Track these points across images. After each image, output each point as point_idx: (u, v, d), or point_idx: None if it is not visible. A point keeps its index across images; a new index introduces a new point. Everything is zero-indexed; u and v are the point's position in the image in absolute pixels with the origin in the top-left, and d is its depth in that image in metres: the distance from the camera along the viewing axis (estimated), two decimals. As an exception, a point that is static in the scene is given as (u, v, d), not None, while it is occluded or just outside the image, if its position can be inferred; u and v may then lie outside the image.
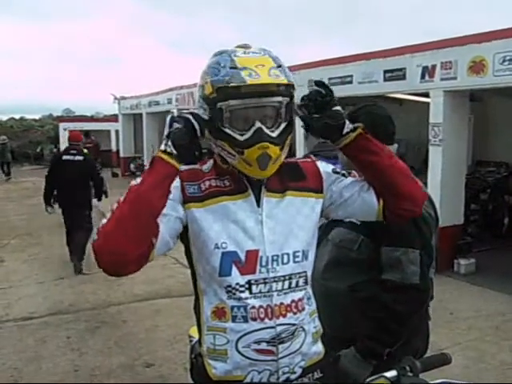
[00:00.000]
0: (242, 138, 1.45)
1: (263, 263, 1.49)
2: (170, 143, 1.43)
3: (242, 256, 1.48)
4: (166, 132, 1.45)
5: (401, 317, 1.85)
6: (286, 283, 1.51)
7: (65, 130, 24.00)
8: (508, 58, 5.76)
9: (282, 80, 1.44)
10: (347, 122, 1.53)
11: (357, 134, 1.54)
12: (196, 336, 1.67)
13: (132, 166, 18.81)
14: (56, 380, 4.00)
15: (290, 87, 1.47)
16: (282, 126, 1.48)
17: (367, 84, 7.75)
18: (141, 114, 17.67)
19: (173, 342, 4.63)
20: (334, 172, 1.65)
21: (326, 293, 1.90)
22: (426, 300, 1.95)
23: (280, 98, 1.45)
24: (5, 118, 35.37)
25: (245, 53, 1.48)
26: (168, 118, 1.46)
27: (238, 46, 1.53)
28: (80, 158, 7.35)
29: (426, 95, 7.15)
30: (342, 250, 1.99)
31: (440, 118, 6.73)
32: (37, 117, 36.57)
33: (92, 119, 27.74)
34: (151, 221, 1.39)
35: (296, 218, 1.56)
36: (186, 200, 1.51)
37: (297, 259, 1.53)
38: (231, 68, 1.43)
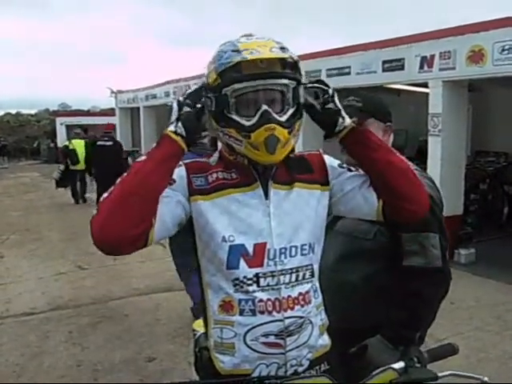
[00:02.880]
0: (248, 123, 1.43)
1: (271, 256, 1.47)
2: (180, 124, 1.43)
3: (250, 249, 1.47)
4: (174, 115, 1.44)
5: (430, 301, 1.87)
6: (294, 276, 1.50)
7: (61, 124, 24.05)
8: (507, 47, 5.74)
9: (283, 55, 1.42)
10: (341, 120, 1.52)
11: (351, 126, 1.53)
12: (200, 329, 1.65)
13: (130, 159, 18.76)
14: (59, 375, 4.00)
15: (295, 71, 1.46)
16: (290, 111, 1.46)
17: (365, 75, 7.72)
18: (138, 108, 17.59)
19: (174, 336, 4.63)
20: (340, 166, 1.63)
21: (339, 285, 1.90)
22: (449, 282, 1.95)
23: (286, 81, 1.43)
24: (1, 113, 35.30)
25: (248, 39, 1.47)
26: (175, 104, 1.46)
27: (243, 35, 1.52)
28: (110, 142, 11.26)
29: (425, 85, 7.13)
30: (355, 241, 1.96)
31: (439, 108, 6.71)
32: (33, 112, 36.52)
33: (89, 113, 27.69)
34: (152, 199, 1.39)
35: (304, 210, 1.54)
36: (193, 192, 1.49)
37: (304, 252, 1.52)
38: (233, 51, 1.42)
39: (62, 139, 21.70)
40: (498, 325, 4.89)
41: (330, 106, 1.52)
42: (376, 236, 1.93)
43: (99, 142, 11.39)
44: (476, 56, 6.10)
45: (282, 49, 1.44)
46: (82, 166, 12.69)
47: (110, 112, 22.62)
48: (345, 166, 1.64)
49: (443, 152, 6.76)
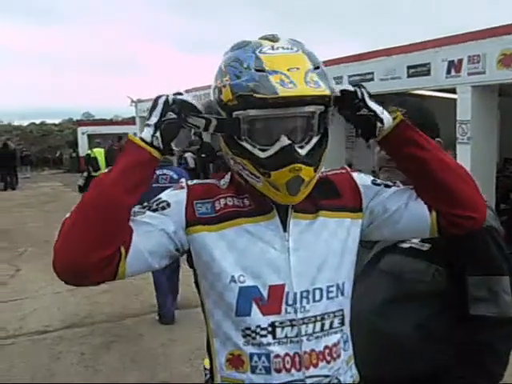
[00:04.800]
0: (263, 155, 1.19)
1: (290, 301, 1.23)
2: (158, 135, 1.20)
3: (265, 292, 1.23)
4: (154, 118, 1.20)
5: (502, 355, 1.58)
6: (318, 325, 1.25)
7: (83, 133, 24.22)
8: (541, 49, 5.43)
9: (323, 91, 1.15)
10: (379, 124, 1.28)
11: (396, 122, 1.28)
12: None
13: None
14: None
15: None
16: (314, 140, 1.22)
17: (390, 81, 7.46)
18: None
19: (191, 358, 4.39)
20: (375, 184, 1.38)
21: (385, 334, 1.61)
22: None
23: (312, 108, 1.19)
24: (26, 123, 35.78)
25: (273, 48, 1.20)
26: (161, 102, 1.21)
27: (264, 38, 1.25)
28: None
29: (452, 91, 6.82)
30: (406, 284, 1.62)
31: (468, 114, 6.41)
32: (57, 121, 36.89)
33: (111, 122, 27.79)
34: (113, 218, 1.15)
35: (331, 243, 1.29)
36: (194, 221, 1.26)
37: (331, 295, 1.27)
38: (257, 70, 1.15)
39: (83, 148, 21.86)
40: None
41: (363, 112, 1.27)
42: (434, 277, 1.61)
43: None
44: (508, 59, 5.79)
45: (317, 68, 1.18)
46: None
47: (131, 121, 22.66)
48: (379, 181, 1.39)
49: (473, 161, 6.42)
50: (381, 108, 1.30)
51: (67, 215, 1.18)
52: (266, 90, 1.12)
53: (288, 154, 1.17)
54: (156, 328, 5.16)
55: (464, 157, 6.51)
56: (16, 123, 35.82)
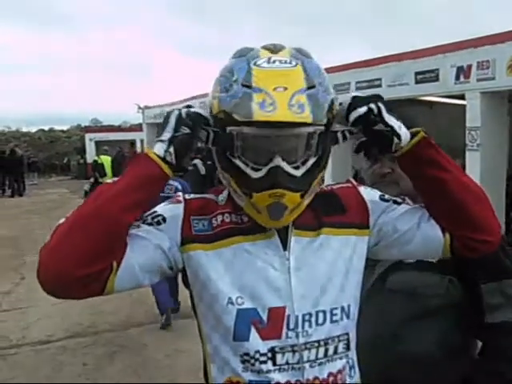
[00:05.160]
0: (255, 175, 1.11)
1: (291, 325, 1.15)
2: (172, 150, 1.12)
3: (264, 315, 1.15)
4: (167, 134, 1.13)
5: None
6: (322, 350, 1.17)
7: (90, 140, 24.30)
8: (552, 54, 5.34)
9: (304, 117, 1.06)
10: (396, 140, 1.18)
11: (417, 140, 1.19)
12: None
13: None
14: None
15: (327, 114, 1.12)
16: (311, 161, 1.14)
17: (397, 87, 7.38)
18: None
19: (196, 370, 4.28)
20: (383, 199, 1.29)
21: (404, 357, 1.50)
22: None
23: (311, 129, 1.10)
24: (34, 129, 35.97)
25: (269, 61, 1.11)
26: (174, 117, 1.15)
27: (265, 48, 1.17)
28: None
29: (460, 97, 6.74)
30: (421, 300, 1.53)
31: (478, 121, 6.32)
32: (65, 128, 37.06)
33: (119, 129, 27.87)
34: (111, 234, 1.08)
35: (334, 263, 1.21)
36: (190, 239, 1.19)
37: (335, 318, 1.19)
38: (243, 85, 1.08)
39: (91, 155, 21.92)
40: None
41: (378, 127, 1.18)
42: (448, 289, 1.54)
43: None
44: (518, 65, 5.70)
45: (311, 88, 1.09)
46: (109, 178, 13.02)
47: (138, 128, 22.69)
48: (387, 196, 1.30)
49: (482, 168, 6.34)
50: (399, 123, 1.19)
51: (61, 221, 1.11)
52: (243, 111, 1.06)
53: (272, 176, 1.09)
54: (161, 338, 5.09)
55: (473, 164, 6.42)
56: (24, 129, 36.00)
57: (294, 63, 1.12)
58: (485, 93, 6.24)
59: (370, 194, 1.31)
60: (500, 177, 6.66)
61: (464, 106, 6.72)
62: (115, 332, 5.31)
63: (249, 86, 1.08)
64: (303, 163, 1.13)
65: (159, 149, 1.13)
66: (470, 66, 6.32)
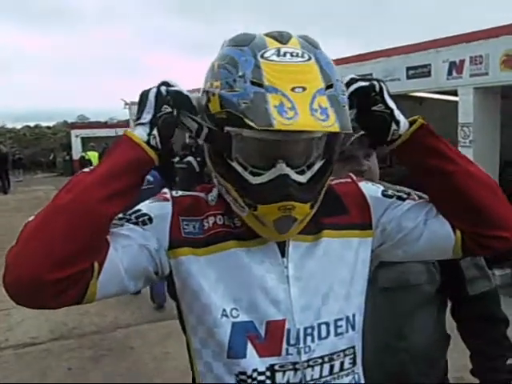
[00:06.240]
0: (254, 181, 0.98)
1: (292, 340, 1.03)
2: (155, 133, 0.99)
3: (261, 329, 1.03)
4: (147, 115, 1.00)
5: (507, 323, 1.65)
6: (327, 368, 1.05)
7: (77, 136, 23.99)
8: (547, 49, 5.26)
9: (330, 126, 0.91)
10: (394, 126, 1.07)
11: (416, 127, 1.08)
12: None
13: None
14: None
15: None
16: (317, 165, 1.01)
17: (388, 83, 7.13)
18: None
19: (186, 373, 4.16)
20: (385, 195, 1.17)
21: (410, 353, 1.52)
22: None
23: (318, 134, 0.97)
24: (19, 125, 35.44)
25: (279, 54, 0.96)
26: (153, 96, 1.01)
27: (270, 36, 1.00)
28: None
29: (452, 93, 6.65)
30: (416, 290, 1.54)
31: (470, 117, 6.23)
32: (51, 124, 36.55)
33: (106, 125, 27.51)
34: (91, 232, 0.93)
35: (336, 269, 1.09)
36: (179, 242, 1.06)
37: (340, 330, 1.07)
38: (253, 84, 0.93)
39: (77, 151, 21.68)
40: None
41: (378, 107, 1.07)
42: (434, 274, 1.56)
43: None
44: (511, 60, 5.61)
45: (329, 87, 0.95)
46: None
47: (125, 124, 22.43)
48: (390, 192, 1.18)
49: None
50: (398, 111, 1.09)
51: (30, 218, 0.96)
52: (259, 118, 0.90)
53: (281, 187, 0.96)
54: (148, 340, 4.95)
55: (466, 160, 6.34)
56: (9, 126, 35.46)
57: (306, 56, 0.97)
58: (478, 88, 6.14)
59: (371, 189, 1.19)
60: (493, 173, 6.56)
61: (455, 102, 6.64)
62: (101, 334, 5.16)
63: (260, 85, 0.92)
64: (309, 167, 1.00)
65: (141, 132, 1.00)
66: (462, 61, 6.22)
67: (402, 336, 1.52)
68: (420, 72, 6.84)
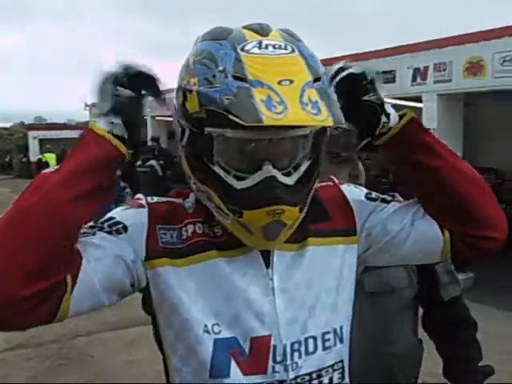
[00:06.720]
0: (238, 185, 0.91)
1: (278, 357, 0.97)
2: (118, 121, 0.91)
3: (245, 345, 0.96)
4: (106, 104, 0.92)
5: (475, 324, 1.71)
6: None
7: (34, 138, 23.37)
8: (509, 58, 5.38)
9: (323, 119, 0.84)
10: (384, 119, 1.03)
11: (406, 121, 1.03)
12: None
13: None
14: None
15: None
16: (304, 166, 0.95)
17: (353, 88, 7.33)
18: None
19: (152, 382, 4.05)
20: (369, 198, 1.12)
21: (398, 358, 1.54)
22: None
23: (307, 131, 0.91)
24: (-27, 126, 34.35)
25: (260, 46, 0.89)
26: (109, 83, 0.93)
27: (249, 29, 0.93)
28: None
29: (418, 99, 6.74)
30: (399, 294, 1.56)
31: (434, 123, 6.34)
32: (7, 125, 35.55)
33: (65, 127, 26.91)
34: (64, 233, 0.84)
35: (323, 277, 1.04)
36: (157, 253, 0.98)
37: (327, 344, 1.01)
38: (236, 78, 0.85)
39: (34, 153, 21.14)
40: (509, 362, 4.41)
41: (369, 97, 1.02)
42: (413, 279, 1.58)
43: None
44: (474, 68, 5.73)
45: (317, 80, 0.89)
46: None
47: (85, 126, 22.01)
48: (374, 194, 1.13)
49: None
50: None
51: None
52: (246, 114, 0.81)
53: (269, 190, 0.90)
54: (111, 348, 4.78)
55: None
56: (-37, 126, 34.34)
57: (290, 49, 0.90)
58: (441, 95, 6.26)
59: (354, 192, 1.14)
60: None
61: (419, 108, 6.73)
62: (60, 342, 4.95)
63: (243, 79, 0.85)
64: (295, 168, 0.94)
65: (104, 123, 0.92)
66: (426, 68, 6.34)
67: (389, 340, 1.52)
68: (385, 78, 6.90)
